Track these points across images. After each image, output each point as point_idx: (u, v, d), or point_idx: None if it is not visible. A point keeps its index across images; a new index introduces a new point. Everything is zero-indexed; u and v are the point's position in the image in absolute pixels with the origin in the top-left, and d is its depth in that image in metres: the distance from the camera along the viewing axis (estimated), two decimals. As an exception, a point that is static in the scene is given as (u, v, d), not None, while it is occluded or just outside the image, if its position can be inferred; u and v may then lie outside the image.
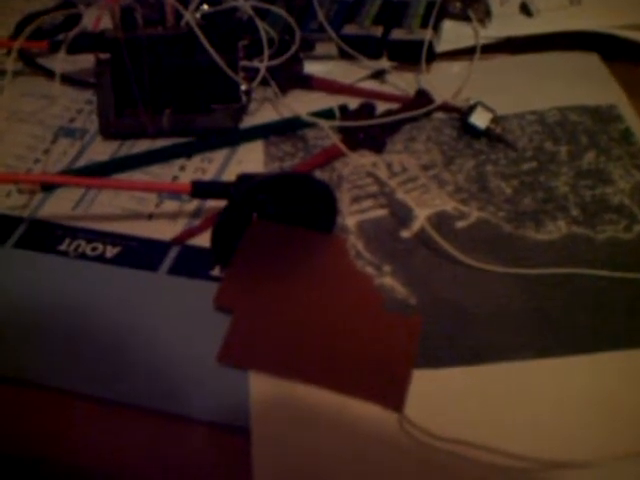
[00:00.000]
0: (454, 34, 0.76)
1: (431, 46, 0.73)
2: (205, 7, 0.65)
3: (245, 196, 0.54)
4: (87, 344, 0.51)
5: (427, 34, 0.72)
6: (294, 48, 0.70)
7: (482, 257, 0.56)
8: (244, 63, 0.67)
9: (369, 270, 0.55)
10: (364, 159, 0.65)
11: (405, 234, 0.58)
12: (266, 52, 0.67)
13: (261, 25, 0.68)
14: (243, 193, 0.54)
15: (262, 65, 0.67)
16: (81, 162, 0.67)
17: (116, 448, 0.46)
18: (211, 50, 0.62)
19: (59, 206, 0.62)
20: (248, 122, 0.70)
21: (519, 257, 0.56)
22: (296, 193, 0.55)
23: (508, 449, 0.44)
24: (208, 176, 0.64)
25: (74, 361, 0.50)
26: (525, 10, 0.76)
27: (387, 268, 0.56)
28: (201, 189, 0.56)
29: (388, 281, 0.55)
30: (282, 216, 0.55)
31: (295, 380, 0.48)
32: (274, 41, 0.70)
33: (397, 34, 0.74)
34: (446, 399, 0.48)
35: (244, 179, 0.55)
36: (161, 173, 0.65)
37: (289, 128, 0.68)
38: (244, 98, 0.67)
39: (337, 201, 0.56)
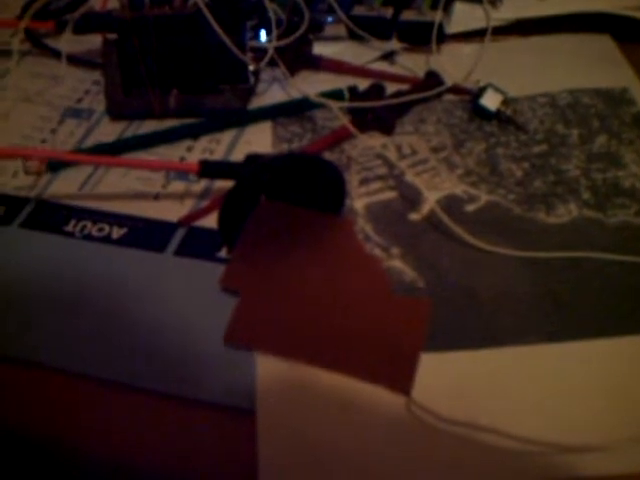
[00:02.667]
0: (465, 16, 0.75)
1: (441, 28, 0.72)
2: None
3: (253, 176, 0.54)
4: (91, 325, 0.51)
5: (437, 16, 0.71)
6: (303, 28, 0.69)
7: (492, 240, 0.55)
8: (252, 43, 0.66)
9: (378, 252, 0.55)
10: (373, 140, 0.64)
11: (414, 217, 0.58)
12: (275, 32, 0.67)
13: (269, 5, 0.67)
14: (251, 173, 0.54)
15: (270, 45, 0.66)
16: (88, 142, 0.66)
17: (119, 430, 0.46)
18: (219, 30, 0.62)
19: (66, 187, 0.62)
20: (256, 103, 0.69)
21: (529, 240, 0.56)
22: (304, 174, 0.54)
23: (518, 433, 0.43)
24: (216, 157, 0.64)
25: (77, 341, 0.50)
26: (536, -8, 0.75)
27: (396, 251, 0.55)
28: (209, 169, 0.55)
29: (397, 264, 0.54)
30: (290, 197, 0.55)
31: (302, 362, 0.48)
32: (283, 22, 0.69)
33: (407, 15, 0.73)
34: (455, 383, 0.47)
35: (252, 159, 0.55)
36: (168, 154, 0.65)
37: (297, 109, 0.67)
38: (252, 79, 0.67)
39: (346, 183, 0.55)
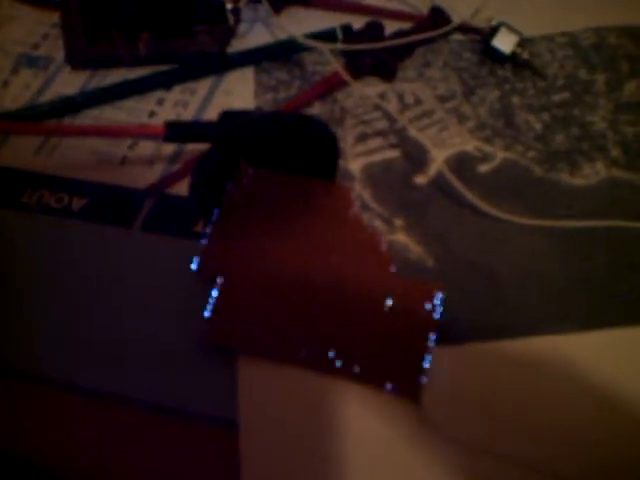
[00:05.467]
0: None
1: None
2: None
3: (229, 138, 0.46)
4: (48, 317, 0.44)
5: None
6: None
7: (509, 207, 0.48)
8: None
9: (378, 224, 0.48)
10: (371, 89, 0.56)
11: (420, 180, 0.50)
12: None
13: None
14: (227, 135, 0.46)
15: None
16: (46, 96, 0.58)
17: (98, 444, 0.39)
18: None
19: (19, 151, 0.54)
20: (236, 46, 0.60)
21: (552, 206, 0.48)
22: (290, 135, 0.46)
23: (545, 455, 0.37)
24: (190, 110, 0.56)
25: (30, 338, 0.43)
26: None
27: (399, 222, 0.48)
28: (178, 131, 0.48)
29: (401, 238, 0.47)
30: (274, 161, 0.47)
31: (291, 363, 0.41)
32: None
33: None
34: (471, 382, 0.40)
35: (228, 117, 0.47)
36: (136, 108, 0.56)
37: (284, 52, 0.59)
38: (231, 18, 0.58)
39: (338, 143, 0.48)
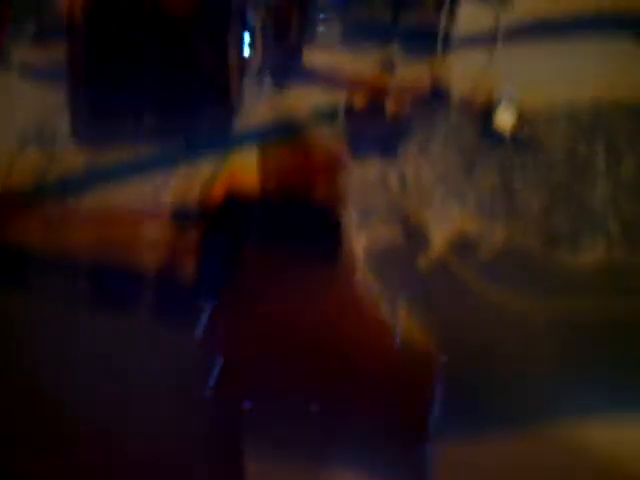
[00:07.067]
0: (472, 14, 0.67)
1: (447, 32, 0.64)
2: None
3: (235, 222, 0.47)
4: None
5: (443, 18, 0.63)
6: (294, 40, 0.61)
7: (511, 287, 0.48)
8: (236, 58, 0.58)
9: (381, 305, 0.48)
10: (372, 166, 0.57)
11: (422, 262, 0.51)
12: (259, 43, 0.59)
13: (254, 13, 0.59)
14: (233, 218, 0.46)
15: (255, 58, 0.58)
16: (51, 173, 0.59)
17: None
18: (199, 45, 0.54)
19: (23, 229, 0.54)
20: (240, 122, 0.61)
21: (554, 286, 0.49)
22: (294, 217, 0.47)
23: None
24: (195, 188, 0.56)
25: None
26: (548, -10, 0.67)
27: (401, 303, 0.48)
28: (184, 217, 0.48)
29: (403, 318, 0.47)
30: (278, 243, 0.47)
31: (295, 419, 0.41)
32: (268, 26, 0.61)
33: (408, 17, 0.65)
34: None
35: (232, 200, 0.48)
36: (141, 186, 0.57)
37: (287, 129, 0.60)
38: (236, 96, 0.59)
39: (342, 226, 0.48)
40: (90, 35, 0.56)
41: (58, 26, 0.59)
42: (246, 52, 0.58)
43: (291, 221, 0.47)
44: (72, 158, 0.59)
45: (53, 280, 0.51)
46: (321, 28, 0.65)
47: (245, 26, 0.58)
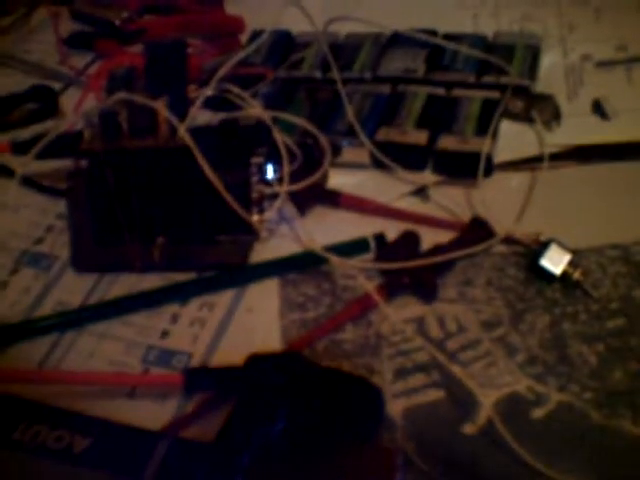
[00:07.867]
0: (514, 140, 0.61)
1: (489, 159, 0.58)
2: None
3: (259, 388, 0.40)
4: None
5: (485, 144, 0.58)
6: (319, 173, 0.56)
7: (567, 463, 0.42)
8: (258, 185, 0.53)
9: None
10: (408, 311, 0.51)
11: (468, 430, 0.44)
12: (286, 170, 0.53)
13: (278, 135, 0.53)
14: (255, 385, 0.40)
15: (282, 189, 0.52)
16: (47, 302, 0.53)
17: None
18: (211, 174, 0.48)
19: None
20: (259, 253, 0.55)
21: (612, 462, 0.42)
22: (328, 392, 0.40)
23: None
24: (208, 329, 0.50)
25: None
26: (599, 111, 0.62)
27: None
28: (197, 380, 0.41)
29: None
30: (309, 420, 0.41)
31: None
32: (293, 154, 0.56)
33: (446, 142, 0.60)
34: None
35: (256, 363, 0.41)
36: (147, 325, 0.51)
37: (310, 263, 0.54)
38: (256, 228, 0.53)
39: (384, 404, 0.42)
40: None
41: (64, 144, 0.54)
42: (269, 175, 0.53)
43: (324, 396, 0.40)
44: (70, 285, 0.53)
45: (46, 432, 0.44)
46: (349, 149, 0.59)
47: (269, 151, 0.52)
